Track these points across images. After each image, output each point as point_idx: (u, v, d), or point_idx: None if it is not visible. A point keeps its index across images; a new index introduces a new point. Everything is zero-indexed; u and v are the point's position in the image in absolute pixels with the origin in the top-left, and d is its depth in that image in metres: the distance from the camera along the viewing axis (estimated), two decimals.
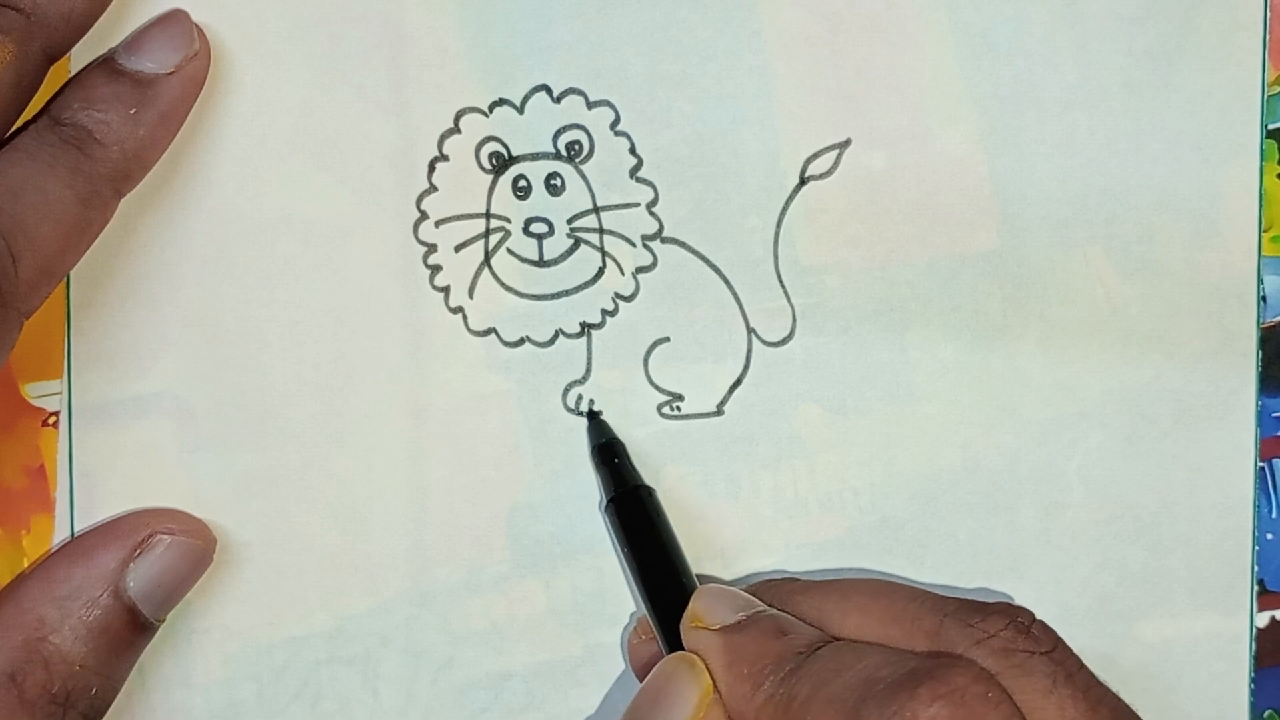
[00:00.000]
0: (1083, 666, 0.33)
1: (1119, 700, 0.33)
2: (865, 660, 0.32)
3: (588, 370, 0.39)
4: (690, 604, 0.35)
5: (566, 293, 0.39)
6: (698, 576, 0.37)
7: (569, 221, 0.38)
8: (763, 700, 0.33)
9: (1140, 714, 0.33)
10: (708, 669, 0.34)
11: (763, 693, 0.33)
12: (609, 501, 0.38)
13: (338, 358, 0.38)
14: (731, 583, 0.38)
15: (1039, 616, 0.34)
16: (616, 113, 0.38)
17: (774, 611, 0.35)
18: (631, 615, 0.39)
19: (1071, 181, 0.39)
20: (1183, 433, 0.39)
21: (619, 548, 0.38)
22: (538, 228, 0.38)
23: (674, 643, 0.35)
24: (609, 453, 0.38)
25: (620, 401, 0.39)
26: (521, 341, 0.39)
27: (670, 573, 0.37)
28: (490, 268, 0.38)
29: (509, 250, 0.38)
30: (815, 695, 0.32)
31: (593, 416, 0.39)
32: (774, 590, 0.36)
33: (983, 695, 0.30)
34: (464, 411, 0.38)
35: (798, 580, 0.38)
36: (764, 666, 0.33)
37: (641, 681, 0.36)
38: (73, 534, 0.38)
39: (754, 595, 0.36)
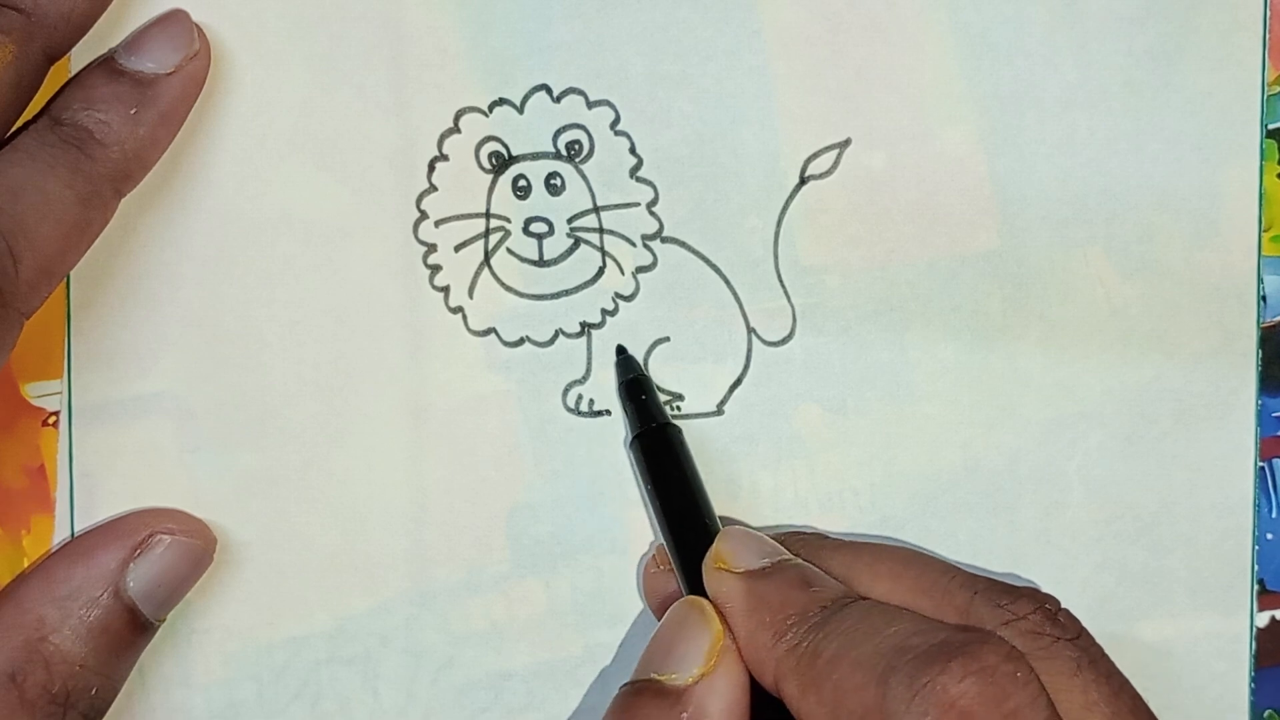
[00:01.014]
0: (1105, 655, 0.33)
1: (1136, 691, 0.33)
2: (895, 625, 0.32)
3: (588, 370, 0.39)
4: (714, 544, 0.35)
5: (566, 292, 0.39)
6: (721, 519, 0.37)
7: (569, 221, 0.38)
8: (784, 650, 0.32)
9: None
10: (727, 613, 0.34)
11: (785, 643, 0.32)
12: (635, 437, 0.37)
13: (338, 358, 0.38)
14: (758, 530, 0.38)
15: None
16: (616, 112, 0.38)
17: (800, 561, 0.35)
18: (640, 613, 0.39)
19: (1071, 181, 0.39)
20: (1183, 433, 0.39)
21: (642, 485, 0.37)
22: (538, 227, 0.38)
23: (693, 583, 0.35)
24: (636, 389, 0.38)
25: (618, 393, 0.39)
26: (521, 341, 0.39)
27: (694, 511, 0.36)
28: (490, 267, 0.38)
29: (509, 250, 0.38)
30: (843, 655, 0.31)
31: (621, 353, 0.38)
32: (801, 542, 0.36)
33: (1012, 674, 0.30)
34: (464, 411, 0.38)
35: (826, 536, 0.37)
36: (788, 616, 0.33)
37: (656, 614, 0.36)
38: (73, 534, 0.38)
39: (780, 544, 0.36)
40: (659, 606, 0.37)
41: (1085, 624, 0.34)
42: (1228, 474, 0.39)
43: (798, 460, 0.39)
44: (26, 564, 0.38)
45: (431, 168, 0.38)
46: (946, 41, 0.39)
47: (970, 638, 0.31)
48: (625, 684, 0.34)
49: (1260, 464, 0.39)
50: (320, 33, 0.38)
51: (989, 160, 0.39)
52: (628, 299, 0.39)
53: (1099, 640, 0.33)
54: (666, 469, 0.37)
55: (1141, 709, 0.32)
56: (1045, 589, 0.38)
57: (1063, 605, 0.34)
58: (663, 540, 0.37)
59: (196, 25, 0.37)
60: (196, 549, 0.37)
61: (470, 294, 0.38)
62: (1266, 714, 0.40)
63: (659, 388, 0.39)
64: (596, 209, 0.38)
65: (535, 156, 0.38)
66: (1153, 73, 0.39)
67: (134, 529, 0.36)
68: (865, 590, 0.34)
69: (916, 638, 0.31)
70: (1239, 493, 0.39)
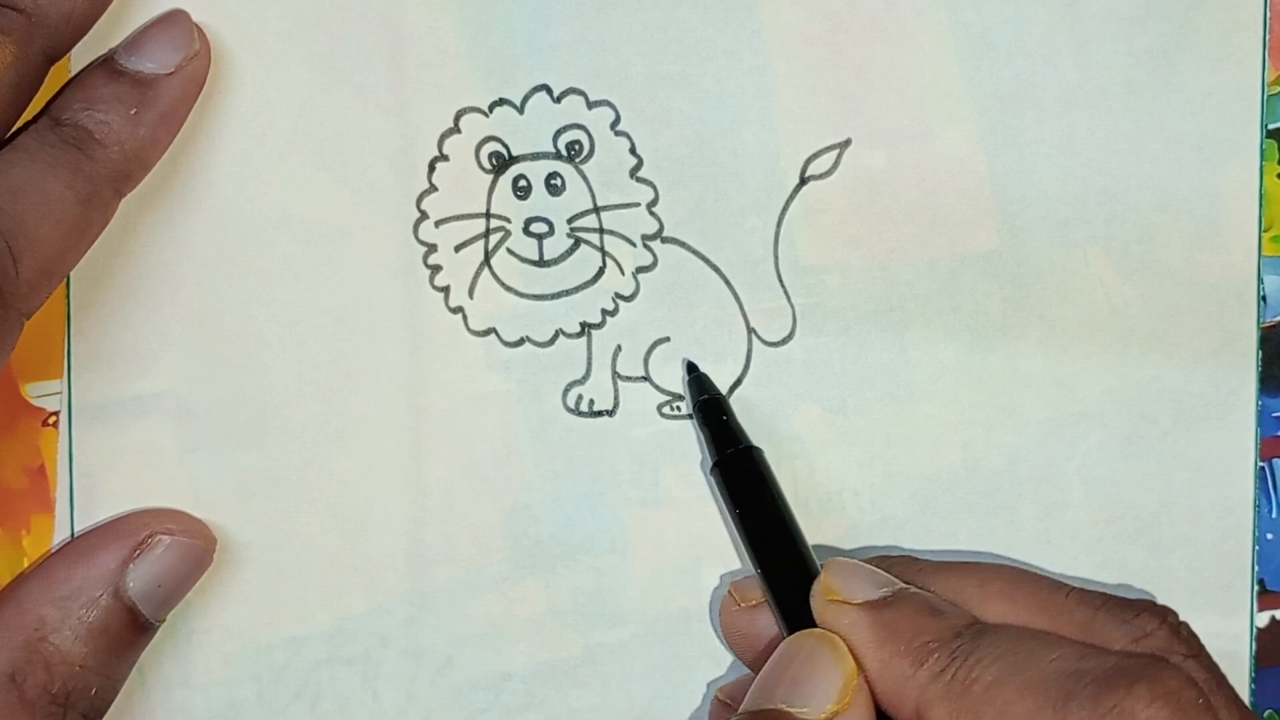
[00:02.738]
0: (1218, 667, 0.33)
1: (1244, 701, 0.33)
2: (1058, 650, 0.32)
3: (588, 370, 0.39)
4: (823, 577, 0.34)
5: (566, 293, 0.39)
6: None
7: (569, 221, 0.38)
8: (926, 679, 0.32)
9: None
10: (852, 645, 0.33)
11: (926, 671, 0.32)
12: (715, 464, 0.37)
13: (338, 358, 0.38)
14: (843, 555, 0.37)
15: None
16: (616, 113, 0.38)
17: (920, 589, 0.34)
18: (641, 615, 0.39)
19: (1071, 181, 0.39)
20: (1183, 433, 0.39)
21: (727, 511, 0.37)
22: (538, 228, 0.38)
23: (794, 616, 0.34)
24: (715, 410, 0.37)
25: (620, 401, 0.39)
26: (521, 341, 0.39)
27: (788, 542, 0.36)
28: (490, 268, 0.38)
29: (509, 250, 0.38)
30: (1005, 681, 0.31)
31: (692, 370, 0.38)
32: (900, 568, 0.36)
33: (1195, 700, 0.30)
34: (464, 411, 0.38)
35: (918, 559, 0.37)
36: (926, 643, 0.32)
37: (741, 654, 0.36)
38: (73, 534, 0.38)
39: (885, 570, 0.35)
40: (743, 642, 0.36)
41: None
42: (1228, 474, 0.39)
43: (798, 460, 0.39)
44: (26, 564, 0.38)
45: (432, 168, 0.38)
46: (946, 41, 0.39)
47: (1147, 662, 0.31)
48: (744, 711, 0.33)
49: (1260, 464, 0.39)
50: (320, 33, 0.38)
51: (989, 160, 0.39)
52: (628, 299, 0.39)
53: None
54: (754, 497, 0.36)
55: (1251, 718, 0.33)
56: None
57: (1182, 618, 0.33)
58: (753, 571, 0.36)
59: (196, 25, 0.37)
60: (196, 549, 0.37)
61: (470, 294, 0.38)
62: (1266, 714, 0.40)
63: (659, 388, 0.39)
64: (596, 209, 0.38)
65: (535, 157, 0.38)
66: (1153, 73, 0.39)
67: (134, 529, 0.36)
68: (979, 613, 0.34)
69: (1086, 662, 0.31)
70: (1239, 493, 0.39)
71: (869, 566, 0.35)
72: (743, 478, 0.37)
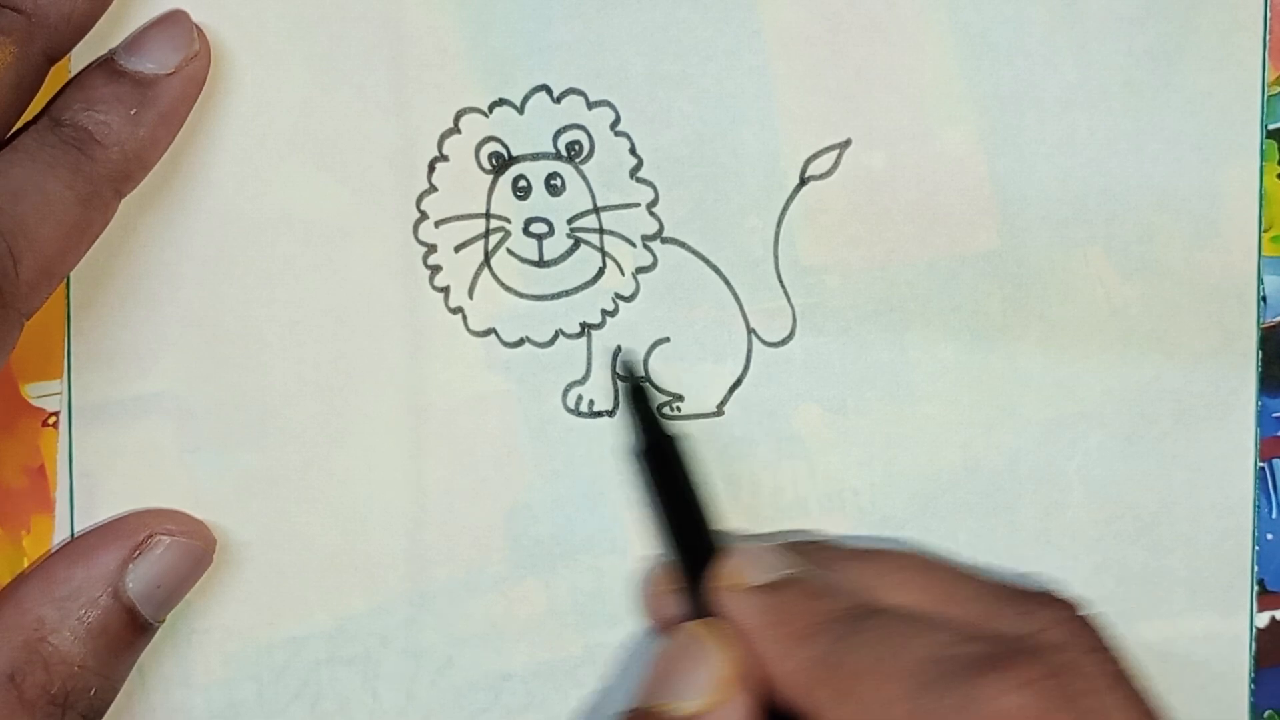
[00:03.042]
0: (1125, 656, 0.32)
1: (1151, 692, 0.32)
2: (929, 635, 0.31)
3: (588, 370, 0.39)
4: (723, 562, 0.35)
5: (566, 293, 0.39)
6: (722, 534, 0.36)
7: (569, 222, 0.38)
8: (807, 663, 0.32)
9: None
10: (742, 630, 0.33)
11: (806, 655, 0.32)
12: (641, 450, 0.37)
13: (338, 358, 0.38)
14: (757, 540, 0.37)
15: None
16: (616, 113, 0.38)
17: (813, 571, 0.34)
18: (639, 615, 0.39)
19: (1071, 181, 0.39)
20: (1183, 433, 0.39)
21: (647, 497, 0.37)
22: (538, 228, 0.38)
23: (702, 600, 0.35)
24: (642, 398, 0.37)
25: (620, 401, 0.39)
26: (521, 342, 0.39)
27: (701, 528, 0.36)
28: (490, 268, 0.38)
29: (509, 250, 0.38)
30: (874, 666, 0.31)
31: (622, 353, 0.38)
32: (809, 553, 0.36)
33: (1053, 690, 0.30)
34: (464, 411, 0.38)
35: (831, 544, 0.37)
36: (807, 627, 0.32)
37: (661, 634, 0.36)
38: (73, 534, 0.38)
39: (786, 554, 0.35)
40: (664, 625, 0.37)
41: None
42: (1228, 474, 0.39)
43: (798, 460, 0.39)
44: (26, 564, 0.38)
45: (431, 168, 0.38)
46: (946, 41, 0.39)
47: (1015, 648, 0.31)
48: (623, 712, 0.33)
49: (1260, 464, 0.39)
50: (320, 33, 0.38)
51: (989, 160, 0.39)
52: (628, 299, 0.39)
53: None
54: (673, 481, 0.36)
55: (1160, 712, 0.32)
56: None
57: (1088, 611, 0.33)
58: (668, 558, 0.36)
59: (196, 25, 0.37)
60: (196, 549, 0.37)
61: (470, 294, 0.38)
62: (1266, 714, 0.40)
63: (660, 389, 0.39)
64: (596, 209, 0.38)
65: (535, 157, 0.38)
66: (1153, 73, 0.39)
67: (134, 529, 0.36)
68: (880, 599, 0.34)
69: (954, 648, 0.31)
70: (1239, 493, 0.39)
71: (767, 549, 0.35)
72: (663, 465, 0.37)
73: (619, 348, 0.39)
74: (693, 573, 0.35)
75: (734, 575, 0.34)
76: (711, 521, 0.36)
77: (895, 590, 0.34)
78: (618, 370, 0.38)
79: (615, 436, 0.39)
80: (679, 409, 0.39)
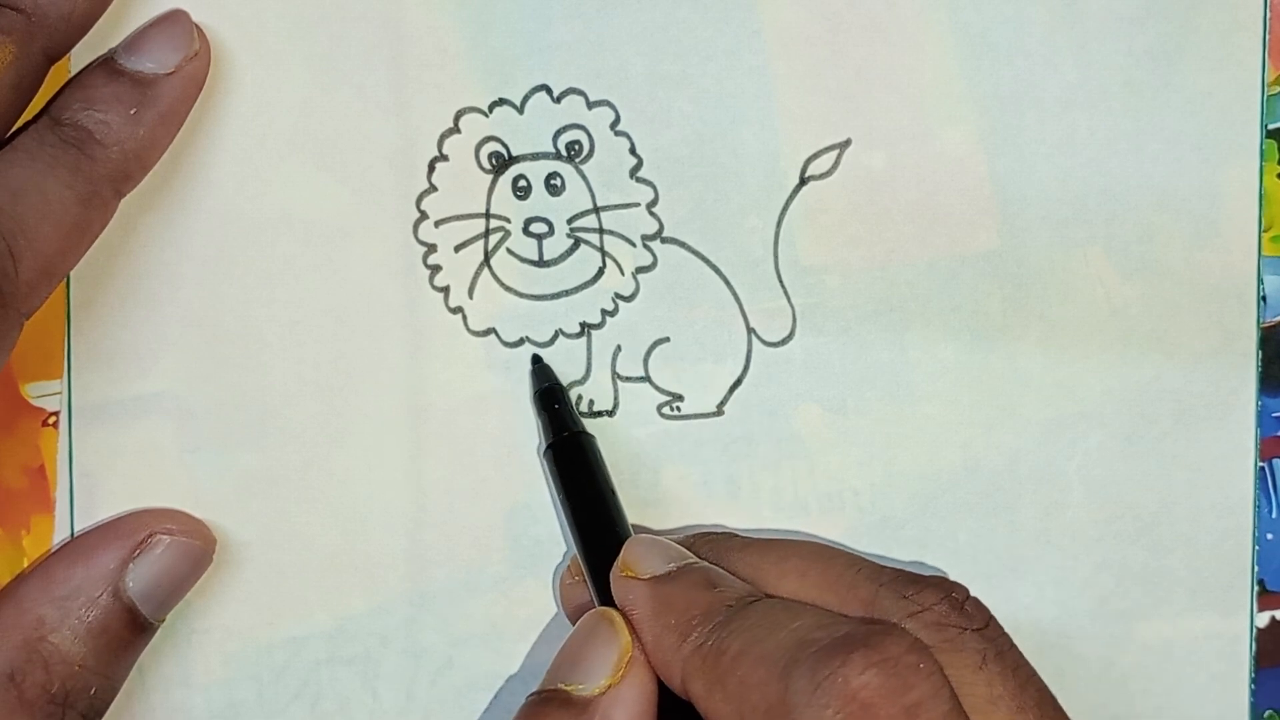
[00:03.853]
0: (1013, 646, 0.33)
1: (1044, 683, 0.33)
2: (799, 620, 0.32)
3: (587, 370, 0.39)
4: (621, 553, 0.35)
5: (566, 293, 0.39)
6: (633, 527, 0.37)
7: (569, 221, 0.38)
8: (689, 651, 0.32)
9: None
10: (634, 620, 0.34)
11: (690, 644, 0.32)
12: (548, 447, 0.37)
13: (338, 358, 0.38)
14: (668, 533, 0.38)
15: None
16: (616, 113, 0.38)
17: (705, 564, 0.35)
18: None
19: (1071, 181, 0.39)
20: (1183, 433, 0.39)
21: (555, 494, 0.38)
22: (537, 228, 0.38)
23: (605, 593, 0.35)
24: (549, 398, 0.38)
25: (620, 402, 0.39)
26: (521, 341, 0.39)
27: (606, 521, 0.36)
28: (490, 268, 0.38)
29: (509, 250, 0.38)
30: (746, 651, 0.31)
31: (536, 361, 0.38)
32: (710, 544, 0.36)
33: (915, 665, 0.30)
34: (464, 411, 0.38)
35: (736, 536, 0.37)
36: (692, 617, 0.33)
37: (573, 624, 0.36)
38: (73, 534, 0.38)
39: (689, 548, 0.36)
40: (575, 616, 0.37)
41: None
42: (1228, 474, 0.39)
43: (798, 460, 0.39)
44: (26, 564, 0.38)
45: (431, 168, 0.38)
46: (946, 41, 0.39)
47: (872, 629, 0.31)
48: (532, 693, 0.34)
49: (1260, 464, 0.39)
50: (320, 33, 0.38)
51: (989, 160, 0.39)
52: (628, 299, 0.39)
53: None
54: (579, 479, 0.37)
55: (1048, 701, 0.32)
56: (1045, 589, 0.38)
57: (971, 593, 0.33)
58: (575, 550, 0.37)
59: (196, 25, 0.37)
60: (196, 549, 0.37)
61: (470, 294, 0.38)
62: (1266, 714, 0.40)
63: (660, 388, 0.39)
64: (596, 209, 0.38)
65: (535, 157, 0.38)
66: (1153, 73, 0.39)
67: (134, 529, 0.36)
68: (773, 588, 0.34)
69: (818, 631, 0.31)
70: (1239, 493, 0.39)
71: (667, 542, 0.36)
72: (570, 461, 0.37)
73: (618, 347, 0.39)
74: (599, 564, 0.36)
75: (630, 566, 0.35)
76: (620, 517, 0.37)
77: (784, 579, 0.34)
78: (531, 373, 0.38)
79: (615, 436, 0.39)
80: (679, 409, 0.39)
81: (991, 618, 0.33)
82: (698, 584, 0.34)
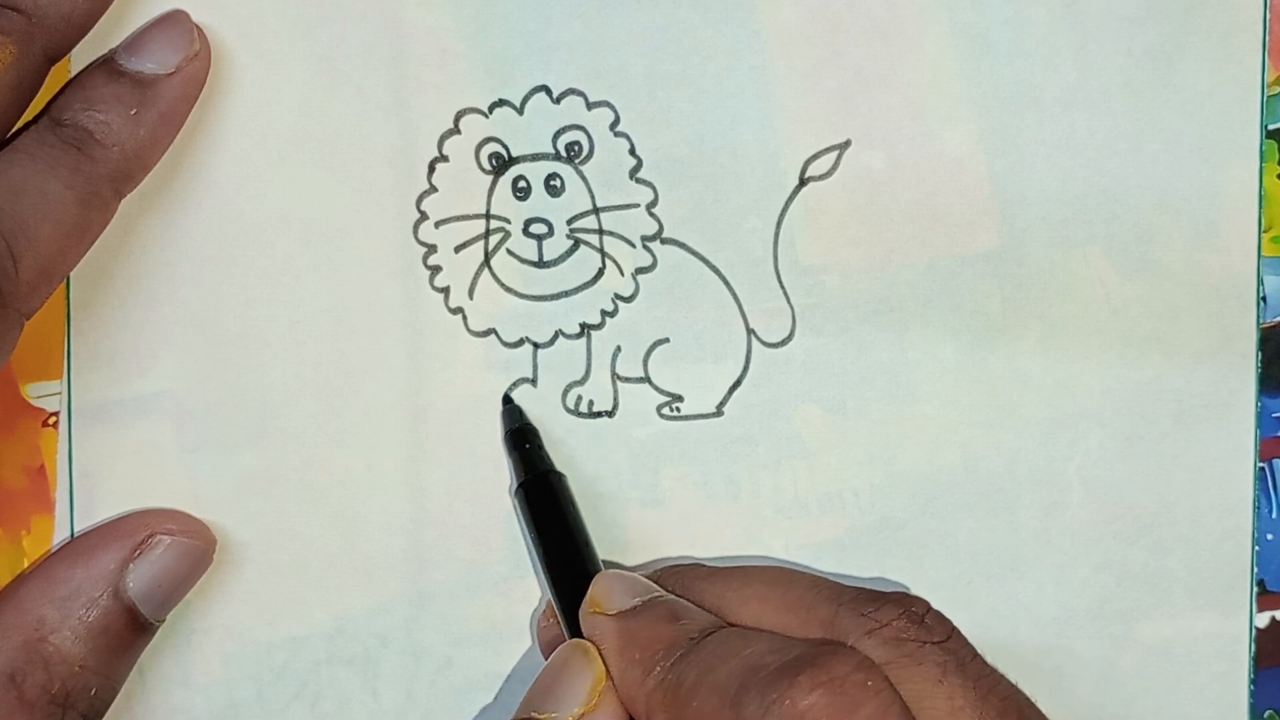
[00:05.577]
0: (976, 656, 0.33)
1: (1013, 689, 0.32)
2: (751, 647, 0.32)
3: (587, 371, 0.39)
4: (590, 589, 0.35)
5: (566, 293, 0.39)
6: (605, 563, 0.37)
7: (569, 222, 0.38)
8: (652, 686, 0.33)
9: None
10: (603, 654, 0.34)
11: (653, 678, 0.33)
12: (519, 486, 0.38)
13: (338, 358, 0.38)
14: (637, 568, 0.38)
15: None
16: (616, 113, 0.38)
17: (670, 597, 0.35)
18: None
19: (1071, 181, 0.39)
20: (1183, 433, 0.39)
21: (526, 533, 0.38)
22: (537, 228, 0.38)
23: (576, 628, 0.35)
24: (520, 438, 0.38)
25: (620, 402, 0.39)
26: (521, 342, 0.39)
27: (575, 558, 0.37)
28: (490, 268, 0.38)
29: (509, 251, 0.38)
30: (701, 682, 0.32)
31: (507, 402, 0.38)
32: (677, 576, 0.36)
33: (862, 684, 0.30)
34: (464, 411, 0.39)
35: (703, 566, 0.37)
36: (655, 652, 0.33)
37: (544, 655, 0.37)
38: (73, 534, 0.38)
39: (656, 581, 0.36)
40: (548, 650, 0.37)
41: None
42: (1228, 474, 0.39)
43: (798, 460, 0.39)
44: (26, 564, 0.38)
45: (431, 168, 0.38)
46: (946, 41, 0.39)
47: (820, 651, 0.31)
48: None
49: (1260, 464, 0.39)
50: (320, 33, 0.38)
51: (989, 160, 0.39)
52: (627, 300, 0.39)
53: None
54: (550, 516, 0.37)
55: (1011, 710, 0.32)
56: (1045, 589, 0.38)
57: (933, 607, 0.33)
58: (548, 585, 0.37)
59: (196, 25, 0.37)
60: (196, 549, 0.37)
61: (470, 295, 0.38)
62: (1266, 714, 0.40)
63: (659, 389, 0.39)
64: (596, 210, 0.38)
65: (535, 157, 0.38)
66: (1153, 73, 0.39)
67: (134, 529, 0.36)
68: (736, 615, 0.34)
69: (770, 656, 0.31)
70: (1239, 493, 0.39)
71: (634, 577, 0.36)
72: (541, 501, 0.37)
73: (618, 348, 0.39)
74: (570, 601, 0.36)
75: (597, 602, 0.35)
76: (590, 554, 0.37)
77: (746, 605, 0.34)
78: (502, 414, 0.38)
79: (615, 436, 0.39)
80: (679, 409, 0.39)
81: (954, 630, 0.33)
82: (661, 617, 0.34)
